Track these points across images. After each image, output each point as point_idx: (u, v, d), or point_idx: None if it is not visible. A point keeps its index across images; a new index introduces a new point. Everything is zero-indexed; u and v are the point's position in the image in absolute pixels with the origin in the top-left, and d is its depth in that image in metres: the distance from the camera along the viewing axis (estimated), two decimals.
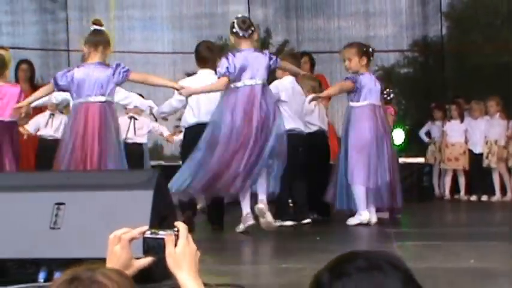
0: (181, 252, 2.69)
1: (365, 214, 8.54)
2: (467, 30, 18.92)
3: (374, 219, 8.56)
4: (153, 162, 12.83)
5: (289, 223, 8.64)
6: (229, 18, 18.00)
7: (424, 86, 17.96)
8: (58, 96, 8.91)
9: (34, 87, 10.23)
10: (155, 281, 4.21)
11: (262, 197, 7.66)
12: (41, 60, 15.48)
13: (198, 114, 8.63)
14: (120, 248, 2.81)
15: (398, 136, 14.32)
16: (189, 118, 8.70)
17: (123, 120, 10.16)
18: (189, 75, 10.90)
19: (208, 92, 8.20)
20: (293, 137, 8.62)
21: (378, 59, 17.85)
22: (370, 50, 8.93)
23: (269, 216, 7.61)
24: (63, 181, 4.93)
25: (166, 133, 12.00)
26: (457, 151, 13.97)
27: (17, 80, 10.87)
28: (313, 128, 9.69)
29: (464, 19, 18.79)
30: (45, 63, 15.87)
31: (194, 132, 8.49)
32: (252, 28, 8.09)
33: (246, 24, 8.05)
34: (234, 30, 7.98)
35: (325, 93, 9.58)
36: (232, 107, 7.74)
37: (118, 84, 7.72)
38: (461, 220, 11.30)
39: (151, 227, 4.21)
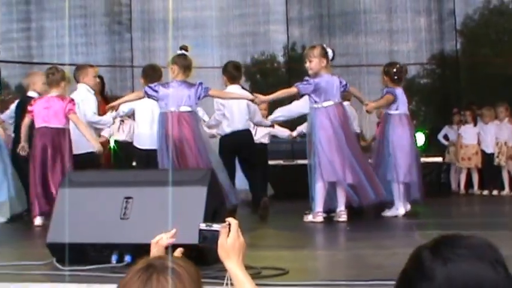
0: (232, 243, 2.78)
1: (401, 209, 8.55)
2: (479, 45, 18.77)
3: (403, 212, 8.58)
4: None
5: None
6: (270, 37, 18.35)
7: (441, 95, 17.89)
8: (125, 108, 9.06)
9: (105, 98, 10.37)
10: (208, 264, 4.32)
11: None
12: (110, 75, 15.68)
13: (232, 123, 8.84)
14: (157, 252, 3.00)
15: (420, 139, 14.40)
16: (225, 127, 8.90)
17: None
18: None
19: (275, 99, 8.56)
20: None
21: None
22: (331, 53, 8.33)
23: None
24: (131, 178, 5.03)
25: None
26: (470, 151, 14.01)
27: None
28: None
29: (476, 35, 18.65)
30: (112, 77, 16.07)
31: (229, 139, 8.73)
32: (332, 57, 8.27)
33: (325, 51, 8.22)
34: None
35: (374, 105, 9.17)
36: None
37: (200, 98, 7.85)
38: (474, 212, 11.27)
39: (205, 219, 4.35)
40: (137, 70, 17.33)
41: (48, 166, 8.07)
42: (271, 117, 9.53)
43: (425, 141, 14.62)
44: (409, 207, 8.75)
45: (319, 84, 8.01)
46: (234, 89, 8.92)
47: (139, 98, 8.34)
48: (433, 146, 15.17)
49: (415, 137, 9.76)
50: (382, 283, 3.62)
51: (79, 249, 4.46)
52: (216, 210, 4.51)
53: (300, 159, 11.50)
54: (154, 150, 8.20)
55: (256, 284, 3.61)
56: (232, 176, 8.69)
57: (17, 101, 9.32)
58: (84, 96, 8.95)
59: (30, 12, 18.36)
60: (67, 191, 4.74)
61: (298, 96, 8.86)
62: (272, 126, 10.38)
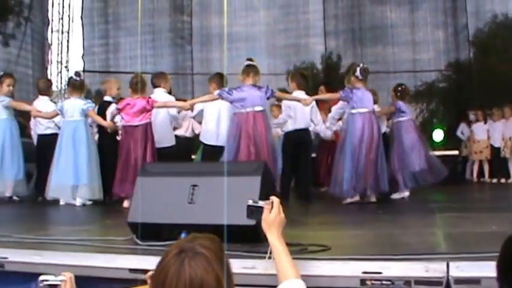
0: (273, 218, 2.81)
1: (406, 192, 8.98)
2: (489, 54, 18.61)
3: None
4: None
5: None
6: (310, 48, 18.35)
7: (457, 97, 17.80)
8: (198, 108, 9.18)
9: None
10: (261, 241, 4.35)
11: None
12: (173, 81, 15.80)
13: (296, 122, 8.87)
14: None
15: (439, 135, 14.36)
16: (289, 125, 8.93)
17: None
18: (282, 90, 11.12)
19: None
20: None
21: (423, 76, 17.88)
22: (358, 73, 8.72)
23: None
24: (197, 169, 5.08)
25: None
26: (481, 146, 14.01)
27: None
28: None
29: (486, 46, 18.48)
30: (176, 83, 16.20)
31: (292, 136, 8.73)
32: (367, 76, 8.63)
33: (366, 72, 8.57)
34: (356, 74, 8.46)
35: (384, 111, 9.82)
36: None
37: (268, 98, 8.03)
38: (485, 197, 11.20)
39: None
40: (196, 77, 17.56)
41: (135, 157, 8.12)
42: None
43: (443, 137, 14.60)
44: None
45: (356, 94, 8.44)
46: (301, 94, 8.96)
47: (213, 100, 8.41)
48: (450, 140, 15.06)
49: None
50: (411, 257, 3.63)
51: (154, 228, 4.51)
52: (268, 196, 4.52)
53: None
54: (219, 146, 8.30)
55: (304, 259, 3.66)
56: (294, 166, 8.73)
57: (97, 107, 9.38)
58: (167, 98, 9.00)
59: (108, 30, 18.69)
60: (144, 179, 4.81)
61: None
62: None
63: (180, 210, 4.50)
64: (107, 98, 9.53)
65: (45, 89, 10.05)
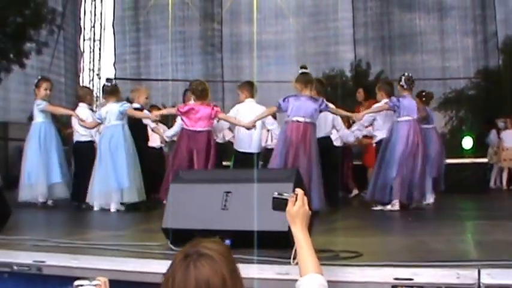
0: (297, 210, 2.82)
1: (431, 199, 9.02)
2: None
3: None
4: None
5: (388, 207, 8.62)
6: (340, 56, 18.37)
7: (486, 104, 17.68)
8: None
9: None
10: (292, 246, 4.38)
11: None
12: None
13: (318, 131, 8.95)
14: None
15: (468, 142, 14.25)
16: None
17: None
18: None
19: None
20: None
21: (452, 84, 17.80)
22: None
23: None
24: (230, 176, 5.13)
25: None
26: (510, 153, 13.85)
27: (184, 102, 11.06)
28: None
29: None
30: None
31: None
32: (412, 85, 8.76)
33: (410, 81, 8.65)
34: (401, 83, 8.61)
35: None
36: None
37: (321, 112, 8.08)
38: None
39: None
40: (226, 84, 17.64)
41: (193, 161, 8.16)
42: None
43: (473, 145, 14.46)
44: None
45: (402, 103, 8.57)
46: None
47: (271, 113, 8.58)
48: (479, 148, 14.95)
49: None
50: (442, 264, 3.64)
51: (187, 234, 4.50)
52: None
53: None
54: (252, 153, 8.33)
55: (336, 265, 3.69)
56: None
57: None
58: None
59: (139, 38, 18.91)
60: (178, 186, 4.86)
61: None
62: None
63: (213, 217, 4.54)
64: (135, 105, 9.62)
65: (83, 96, 10.14)
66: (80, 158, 9.56)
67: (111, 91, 9.07)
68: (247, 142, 8.93)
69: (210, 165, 8.08)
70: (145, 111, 9.48)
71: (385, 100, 9.09)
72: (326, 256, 3.90)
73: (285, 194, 2.91)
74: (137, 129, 9.27)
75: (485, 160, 14.25)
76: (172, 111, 8.91)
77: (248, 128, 8.58)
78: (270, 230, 4.22)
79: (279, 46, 18.18)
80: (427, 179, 8.92)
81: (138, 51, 19.06)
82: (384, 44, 17.97)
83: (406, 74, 8.87)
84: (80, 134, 9.70)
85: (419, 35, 17.92)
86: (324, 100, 8.13)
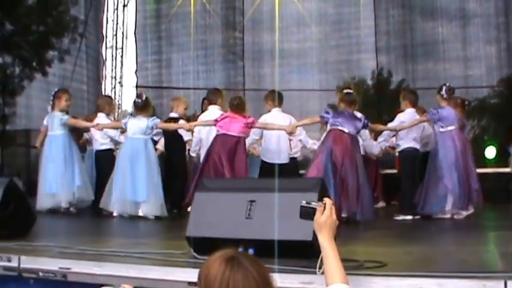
0: (325, 220, 2.81)
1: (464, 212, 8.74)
2: None
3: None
4: None
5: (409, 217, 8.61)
6: (362, 64, 18.35)
7: (509, 113, 17.56)
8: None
9: None
10: (317, 256, 4.38)
11: None
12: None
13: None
14: None
15: (491, 152, 14.15)
16: None
17: None
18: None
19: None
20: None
21: (474, 92, 17.68)
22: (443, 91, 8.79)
23: None
24: (255, 185, 5.14)
25: None
26: None
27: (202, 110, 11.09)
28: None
29: None
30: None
31: None
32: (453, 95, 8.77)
33: (451, 91, 8.69)
34: (442, 92, 8.61)
35: None
36: None
37: (363, 128, 8.23)
38: None
39: None
40: (248, 93, 17.67)
41: (223, 167, 8.13)
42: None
43: (496, 154, 14.37)
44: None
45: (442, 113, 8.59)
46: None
47: (314, 122, 8.70)
48: (502, 157, 14.84)
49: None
50: (468, 275, 3.62)
51: (211, 242, 4.54)
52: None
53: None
54: (280, 164, 8.37)
55: (360, 274, 3.69)
56: None
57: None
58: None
59: (161, 46, 19.01)
60: (202, 194, 4.88)
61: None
62: None
63: (237, 225, 4.54)
64: (172, 115, 9.64)
65: (102, 105, 10.20)
66: (102, 167, 9.61)
67: (142, 107, 9.03)
68: (276, 153, 8.90)
69: (241, 172, 8.09)
70: (181, 121, 9.50)
71: (411, 110, 9.12)
72: (350, 266, 3.88)
73: (313, 203, 2.90)
74: (175, 141, 9.30)
75: (508, 170, 14.13)
76: (210, 122, 8.78)
77: (290, 133, 8.64)
78: (294, 240, 4.22)
79: (301, 54, 18.21)
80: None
81: (159, 59, 19.16)
82: (406, 52, 17.92)
83: (447, 84, 8.89)
84: (100, 143, 9.77)
85: (441, 43, 17.85)
86: (365, 118, 8.25)
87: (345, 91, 8.41)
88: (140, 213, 8.51)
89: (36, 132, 15.53)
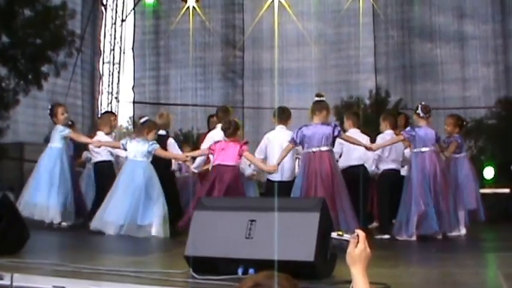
0: (359, 253, 2.75)
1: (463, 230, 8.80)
2: None
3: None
4: None
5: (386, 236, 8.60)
6: (361, 84, 18.40)
7: (506, 133, 17.60)
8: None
9: None
10: (319, 278, 4.31)
11: None
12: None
13: (348, 159, 8.86)
14: None
15: (490, 172, 14.14)
16: (342, 162, 8.98)
17: None
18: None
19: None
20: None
21: (472, 113, 17.72)
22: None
23: None
24: (255, 204, 5.09)
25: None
26: None
27: (209, 127, 11.04)
28: None
29: None
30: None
31: (345, 172, 8.66)
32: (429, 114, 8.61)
33: (427, 109, 8.55)
34: (418, 111, 8.51)
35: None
36: None
37: (334, 138, 8.03)
38: None
39: (317, 240, 4.34)
40: (247, 111, 17.67)
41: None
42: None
43: (494, 175, 14.38)
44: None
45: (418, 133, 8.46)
46: (356, 132, 9.17)
47: (291, 149, 8.44)
48: (501, 178, 14.83)
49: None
50: None
51: (210, 262, 4.51)
52: (326, 233, 4.50)
53: None
54: (283, 182, 8.31)
55: None
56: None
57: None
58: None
59: (159, 62, 19.00)
60: (201, 213, 4.81)
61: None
62: None
63: (237, 245, 4.49)
64: (160, 133, 9.56)
65: (101, 124, 10.21)
66: (101, 179, 9.53)
67: (140, 128, 9.02)
68: (279, 170, 8.83)
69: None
70: (171, 140, 9.43)
71: (390, 132, 9.21)
72: None
73: (346, 235, 2.83)
74: (161, 160, 9.23)
75: (506, 190, 14.11)
76: (205, 152, 8.84)
77: (270, 173, 8.59)
78: (296, 260, 4.16)
79: (300, 73, 18.24)
80: (460, 210, 8.80)
81: (157, 76, 19.13)
82: (404, 72, 17.99)
83: (422, 103, 8.78)
84: (100, 155, 9.72)
85: (439, 64, 17.95)
86: (337, 125, 8.14)
87: (315, 99, 8.35)
88: (138, 236, 8.40)
89: (29, 145, 15.46)
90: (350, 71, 18.34)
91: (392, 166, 9.28)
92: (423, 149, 8.40)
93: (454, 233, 8.54)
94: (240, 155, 8.34)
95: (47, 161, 9.28)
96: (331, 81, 18.11)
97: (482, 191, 11.98)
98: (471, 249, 7.50)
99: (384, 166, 9.31)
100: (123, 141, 9.06)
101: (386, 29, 18.14)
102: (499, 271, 5.16)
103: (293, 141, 8.08)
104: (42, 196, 9.05)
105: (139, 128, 9.10)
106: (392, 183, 9.10)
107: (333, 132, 7.91)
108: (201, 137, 11.36)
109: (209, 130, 10.18)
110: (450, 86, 17.82)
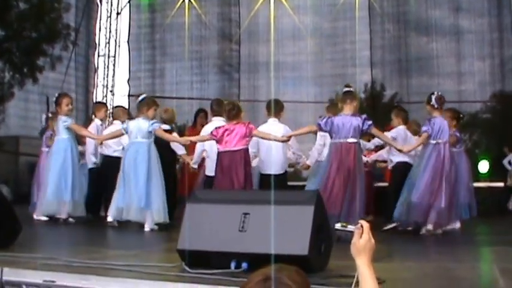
0: (363, 244, 2.69)
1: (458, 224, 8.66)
2: None
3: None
4: None
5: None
6: (356, 77, 18.35)
7: (501, 127, 17.60)
8: None
9: None
10: (313, 272, 4.24)
11: None
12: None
13: None
14: None
15: (484, 166, 14.11)
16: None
17: None
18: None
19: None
20: None
21: (467, 107, 17.69)
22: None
23: None
24: (249, 197, 5.02)
25: None
26: None
27: (195, 123, 10.93)
28: None
29: None
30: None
31: None
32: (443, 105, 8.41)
33: (441, 100, 8.29)
34: (432, 102, 8.22)
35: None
36: None
37: (363, 131, 7.93)
38: None
39: (311, 233, 4.27)
40: (243, 104, 17.57)
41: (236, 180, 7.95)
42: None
43: (489, 169, 14.37)
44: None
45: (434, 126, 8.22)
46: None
47: (313, 131, 8.48)
48: (495, 172, 14.82)
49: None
50: None
51: (203, 256, 4.45)
52: (320, 226, 4.44)
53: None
54: (274, 175, 8.29)
55: None
56: None
57: None
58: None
59: (154, 56, 18.93)
60: (194, 206, 4.73)
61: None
62: None
63: (230, 239, 4.43)
64: (164, 127, 9.45)
65: (117, 114, 10.38)
66: (108, 173, 9.49)
67: (141, 106, 8.87)
68: (270, 163, 8.73)
69: (248, 185, 7.91)
70: (175, 134, 9.36)
71: (402, 127, 9.25)
72: (346, 282, 3.74)
73: (350, 227, 2.77)
74: (166, 153, 9.13)
75: (501, 184, 14.09)
76: (206, 137, 8.58)
77: (282, 141, 8.45)
78: (289, 254, 4.09)
79: (296, 67, 18.21)
80: (459, 204, 8.71)
81: (153, 69, 19.07)
82: (400, 66, 17.98)
83: (437, 92, 8.44)
84: (113, 149, 9.77)
85: (435, 58, 17.94)
86: (367, 118, 7.89)
87: (344, 89, 8.17)
88: (146, 228, 8.31)
89: (25, 139, 15.37)
90: (346, 64, 18.28)
91: (406, 159, 9.16)
92: (439, 140, 8.17)
93: (449, 227, 8.47)
94: (250, 134, 8.09)
95: (56, 155, 9.20)
96: (326, 75, 18.07)
97: (477, 184, 11.96)
98: (466, 244, 7.44)
99: (396, 159, 9.23)
100: (123, 126, 8.95)
101: (382, 22, 18.12)
102: (495, 265, 5.11)
103: (319, 126, 7.95)
104: (61, 192, 9.01)
105: (138, 107, 8.92)
106: (404, 176, 8.99)
107: (362, 124, 7.76)
108: (188, 130, 11.27)
109: (195, 125, 10.05)
110: (445, 80, 17.77)
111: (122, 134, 8.99)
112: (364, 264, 2.66)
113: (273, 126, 8.75)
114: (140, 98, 9.02)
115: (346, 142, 7.71)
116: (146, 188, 8.38)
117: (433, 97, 8.27)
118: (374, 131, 8.14)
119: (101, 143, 9.91)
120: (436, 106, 8.23)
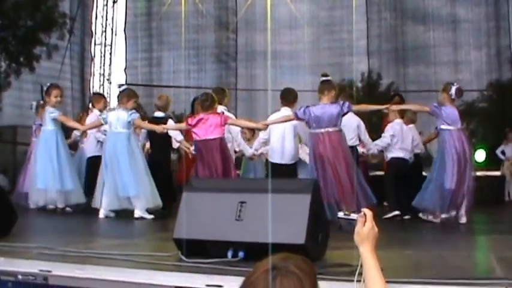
0: (367, 232, 2.69)
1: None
2: None
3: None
4: None
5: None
6: (353, 66, 18.35)
7: (497, 116, 17.61)
8: None
9: None
10: (312, 260, 4.20)
11: None
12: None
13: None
14: None
15: (481, 155, 14.12)
16: None
17: None
18: None
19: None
20: None
21: (464, 96, 17.65)
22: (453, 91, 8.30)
23: None
24: (246, 186, 4.98)
25: None
26: None
27: (193, 111, 10.94)
28: None
29: None
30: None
31: None
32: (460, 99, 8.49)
33: (461, 92, 8.34)
34: (450, 92, 8.12)
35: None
36: None
37: (344, 114, 7.88)
38: None
39: (308, 222, 4.24)
40: (240, 93, 17.61)
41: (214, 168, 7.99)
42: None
43: (485, 157, 14.39)
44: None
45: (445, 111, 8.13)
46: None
47: (290, 120, 8.37)
48: (492, 161, 14.83)
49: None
50: (465, 282, 3.47)
51: (199, 245, 4.41)
52: (317, 215, 4.41)
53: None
54: (285, 165, 8.36)
55: (355, 281, 3.51)
56: None
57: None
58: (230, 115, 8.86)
59: (151, 44, 18.91)
60: (190, 194, 4.70)
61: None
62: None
63: (227, 227, 4.39)
64: (158, 114, 9.43)
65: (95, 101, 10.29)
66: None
67: (121, 96, 8.88)
68: (280, 153, 8.71)
69: (225, 172, 7.93)
70: (170, 121, 9.35)
71: (399, 120, 9.26)
72: (344, 271, 3.71)
73: (353, 215, 2.77)
74: (161, 141, 9.13)
75: (498, 173, 14.10)
76: (182, 125, 8.76)
77: (258, 129, 8.50)
78: (286, 243, 4.05)
79: (293, 56, 18.23)
80: None
81: (150, 58, 19.06)
82: (397, 55, 18.02)
83: (456, 84, 8.40)
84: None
85: (432, 47, 17.98)
86: (344, 102, 7.91)
87: (321, 79, 8.13)
88: (136, 215, 8.30)
89: (22, 128, 15.34)
90: (342, 53, 18.30)
91: (400, 154, 9.17)
92: (452, 127, 8.08)
93: (445, 215, 8.39)
94: (225, 123, 8.18)
95: (42, 145, 9.20)
96: (323, 64, 18.04)
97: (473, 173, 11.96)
98: (462, 232, 7.46)
99: (391, 154, 9.23)
100: (103, 115, 8.98)
101: (379, 11, 18.13)
102: (492, 254, 5.10)
103: (296, 116, 7.96)
104: (42, 181, 8.98)
105: (118, 97, 8.97)
106: (398, 172, 8.98)
107: (341, 109, 7.76)
108: (185, 119, 11.25)
109: (193, 114, 10.04)
110: (442, 69, 17.82)
111: (102, 124, 9.03)
112: (368, 252, 2.67)
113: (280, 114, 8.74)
114: (121, 88, 9.07)
115: (328, 131, 7.71)
116: (130, 176, 8.42)
117: (453, 88, 8.19)
118: (356, 107, 8.20)
119: (84, 132, 10.17)
120: (453, 97, 8.16)
